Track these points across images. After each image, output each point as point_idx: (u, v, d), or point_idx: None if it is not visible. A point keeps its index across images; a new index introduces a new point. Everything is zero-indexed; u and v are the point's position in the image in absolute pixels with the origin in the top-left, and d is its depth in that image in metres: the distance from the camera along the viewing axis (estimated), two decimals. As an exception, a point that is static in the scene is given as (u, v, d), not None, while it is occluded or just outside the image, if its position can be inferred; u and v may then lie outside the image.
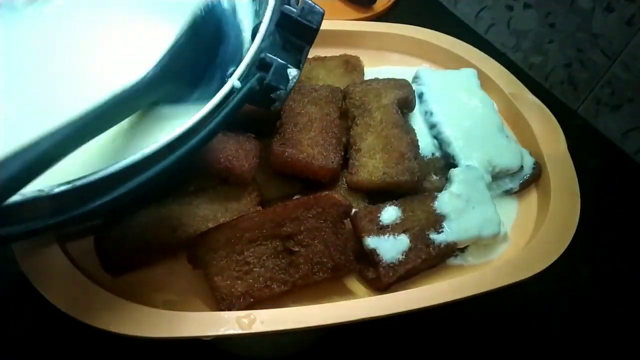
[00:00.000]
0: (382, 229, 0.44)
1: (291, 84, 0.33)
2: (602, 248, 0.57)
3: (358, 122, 0.51)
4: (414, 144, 0.51)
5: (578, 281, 0.55)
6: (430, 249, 0.45)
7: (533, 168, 0.55)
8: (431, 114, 0.55)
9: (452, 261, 0.47)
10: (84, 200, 0.27)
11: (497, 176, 0.52)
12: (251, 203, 0.46)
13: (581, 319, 0.52)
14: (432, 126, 0.55)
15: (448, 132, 0.53)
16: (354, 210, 0.45)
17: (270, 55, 0.33)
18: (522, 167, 0.53)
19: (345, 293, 0.44)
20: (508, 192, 0.54)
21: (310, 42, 0.36)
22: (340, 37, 0.64)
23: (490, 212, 0.48)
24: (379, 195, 0.48)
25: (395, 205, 0.46)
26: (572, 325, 0.52)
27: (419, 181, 0.48)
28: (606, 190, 0.63)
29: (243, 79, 0.32)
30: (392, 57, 0.65)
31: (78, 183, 0.26)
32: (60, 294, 0.38)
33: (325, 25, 0.64)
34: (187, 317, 0.39)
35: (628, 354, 0.51)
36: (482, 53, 0.65)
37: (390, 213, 0.45)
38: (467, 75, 0.60)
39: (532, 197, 0.54)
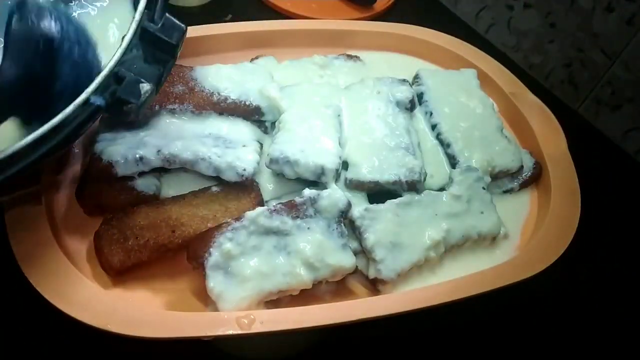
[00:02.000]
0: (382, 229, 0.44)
1: (143, 98, 0.35)
2: (602, 248, 0.57)
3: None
4: (414, 144, 0.51)
5: (578, 281, 0.55)
6: (430, 249, 0.45)
7: (533, 168, 0.55)
8: (431, 114, 0.55)
9: (452, 261, 0.47)
10: None
11: (496, 176, 0.52)
12: (251, 203, 0.46)
13: (581, 319, 0.52)
14: (432, 127, 0.55)
15: (448, 133, 0.53)
16: (354, 210, 0.45)
17: (124, 70, 0.34)
18: (522, 167, 0.53)
19: (345, 293, 0.44)
20: (508, 192, 0.54)
21: (172, 56, 0.38)
22: (340, 37, 0.64)
23: (490, 213, 0.48)
24: (379, 195, 0.48)
25: (395, 205, 0.46)
26: (572, 325, 0.52)
27: (420, 181, 0.48)
28: (606, 190, 0.63)
29: (100, 92, 0.33)
30: (392, 57, 0.65)
31: None
32: (60, 294, 0.38)
33: (325, 25, 0.65)
34: (187, 317, 0.39)
35: (628, 354, 0.51)
36: (482, 53, 0.65)
37: (389, 213, 0.45)
38: (467, 76, 0.60)
39: (532, 197, 0.54)
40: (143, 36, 0.36)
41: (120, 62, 0.34)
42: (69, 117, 0.32)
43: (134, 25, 0.35)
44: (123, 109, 0.35)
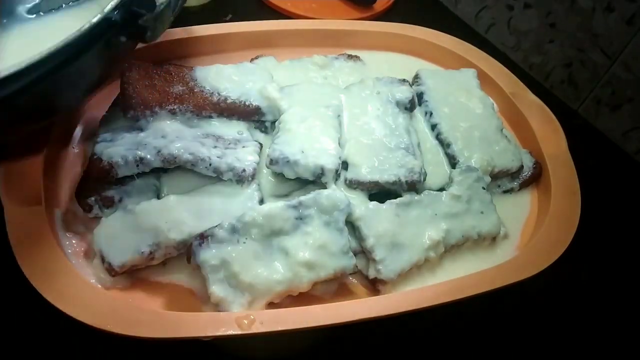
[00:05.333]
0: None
1: (158, 9, 0.33)
2: (602, 248, 0.58)
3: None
4: (414, 144, 0.51)
5: (578, 281, 0.55)
6: (429, 249, 0.45)
7: (533, 168, 0.55)
8: (431, 114, 0.55)
9: (452, 261, 0.47)
10: None
11: (496, 176, 0.52)
12: (251, 203, 0.46)
13: (581, 319, 0.52)
14: (432, 127, 0.55)
15: (448, 133, 0.53)
16: (354, 210, 0.45)
17: None
18: (522, 167, 0.53)
19: (345, 293, 0.44)
20: (508, 192, 0.54)
21: None
22: (340, 37, 0.64)
23: (490, 213, 0.48)
24: (379, 195, 0.48)
25: (395, 205, 0.46)
26: (572, 325, 0.52)
27: (419, 181, 0.48)
28: (606, 190, 0.63)
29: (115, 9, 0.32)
30: (392, 57, 0.65)
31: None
32: (60, 293, 0.38)
33: (326, 25, 0.65)
34: (187, 317, 0.39)
35: (628, 354, 0.51)
36: (482, 52, 0.65)
37: (389, 213, 0.45)
38: (467, 76, 0.60)
39: (533, 197, 0.54)
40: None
41: None
42: (85, 33, 0.32)
43: None
44: (139, 23, 0.33)
